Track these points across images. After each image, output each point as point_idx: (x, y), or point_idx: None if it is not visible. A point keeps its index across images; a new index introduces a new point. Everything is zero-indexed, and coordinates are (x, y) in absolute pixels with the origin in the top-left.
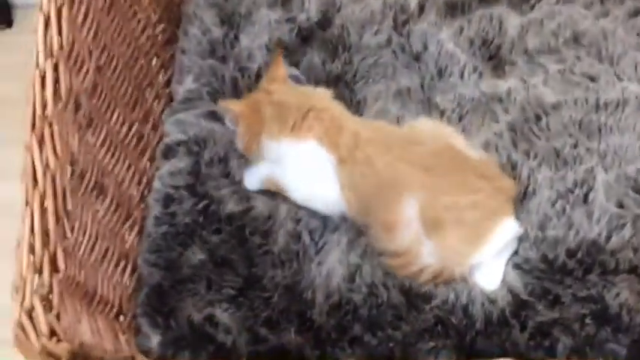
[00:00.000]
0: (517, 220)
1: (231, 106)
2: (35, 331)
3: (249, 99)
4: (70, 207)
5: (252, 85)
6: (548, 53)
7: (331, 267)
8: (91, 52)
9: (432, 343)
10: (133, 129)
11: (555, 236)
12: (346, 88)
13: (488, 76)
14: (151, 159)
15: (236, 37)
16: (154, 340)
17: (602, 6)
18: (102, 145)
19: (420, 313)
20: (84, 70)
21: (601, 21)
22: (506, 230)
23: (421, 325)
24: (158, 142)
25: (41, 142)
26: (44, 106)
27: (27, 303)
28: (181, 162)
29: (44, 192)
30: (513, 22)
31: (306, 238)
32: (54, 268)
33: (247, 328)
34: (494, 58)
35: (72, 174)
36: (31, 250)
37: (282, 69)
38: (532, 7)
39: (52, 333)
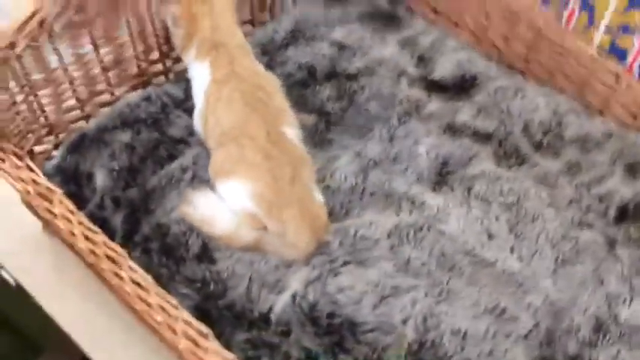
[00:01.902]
0: None
1: (173, 9)
2: None
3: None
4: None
5: None
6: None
7: None
8: None
9: None
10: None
11: None
12: (323, 122)
13: (427, 195)
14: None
15: (287, 45)
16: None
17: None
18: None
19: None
20: None
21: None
22: (232, 186)
23: None
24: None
25: None
26: None
27: None
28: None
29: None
30: None
31: None
32: None
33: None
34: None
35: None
36: None
37: None
38: None
39: None
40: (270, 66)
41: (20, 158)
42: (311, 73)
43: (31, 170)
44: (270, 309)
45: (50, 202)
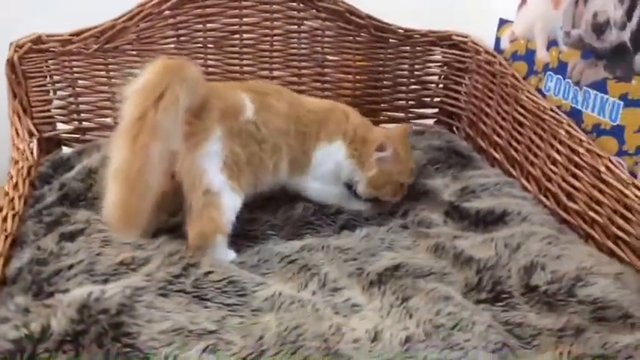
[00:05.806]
0: None
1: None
2: None
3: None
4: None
5: None
6: None
7: None
8: None
9: None
10: None
11: None
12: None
13: (350, 289)
14: None
15: None
16: None
17: None
18: None
19: None
20: None
21: None
22: None
23: None
24: None
25: None
26: None
27: None
28: None
29: None
30: None
31: None
32: None
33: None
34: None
35: None
36: None
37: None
38: None
39: None
40: None
41: (31, 135)
42: None
43: (31, 152)
44: (67, 290)
45: (16, 170)
